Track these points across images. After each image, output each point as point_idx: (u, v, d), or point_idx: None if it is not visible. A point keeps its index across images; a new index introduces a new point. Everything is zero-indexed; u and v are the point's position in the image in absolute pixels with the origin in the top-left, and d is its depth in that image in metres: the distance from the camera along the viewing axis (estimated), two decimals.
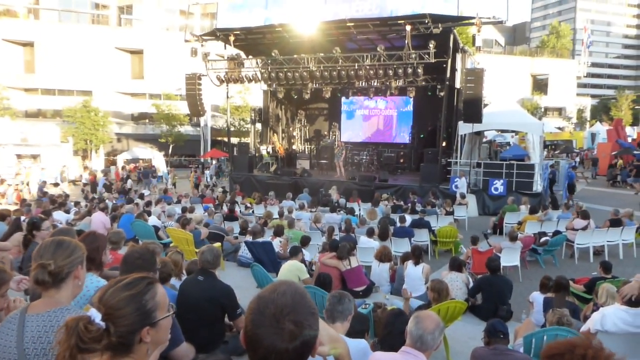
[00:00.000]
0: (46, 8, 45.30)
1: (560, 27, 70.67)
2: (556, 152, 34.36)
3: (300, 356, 1.11)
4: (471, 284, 6.30)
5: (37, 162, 26.36)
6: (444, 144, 16.86)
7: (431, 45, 14.14)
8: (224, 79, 18.63)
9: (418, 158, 19.79)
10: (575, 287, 6.44)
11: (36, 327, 1.78)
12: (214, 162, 32.04)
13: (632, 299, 3.32)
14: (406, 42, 14.49)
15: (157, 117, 37.24)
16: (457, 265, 6.42)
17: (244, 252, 7.87)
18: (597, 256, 9.51)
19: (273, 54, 16.98)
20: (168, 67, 36.45)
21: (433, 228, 10.42)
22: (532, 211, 11.78)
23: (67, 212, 12.70)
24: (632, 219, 10.64)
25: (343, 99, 22.39)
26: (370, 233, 8.63)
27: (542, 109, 52.37)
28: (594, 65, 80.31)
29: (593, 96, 72.26)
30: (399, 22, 14.71)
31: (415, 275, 6.31)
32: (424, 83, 17.14)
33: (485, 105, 16.79)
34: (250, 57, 19.11)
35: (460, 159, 16.17)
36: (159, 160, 32.70)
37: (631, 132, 36.82)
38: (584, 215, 10.07)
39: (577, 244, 9.55)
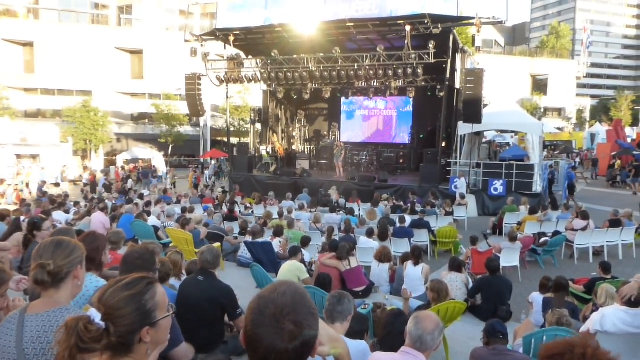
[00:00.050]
0: (46, 8, 45.23)
1: (559, 27, 70.75)
2: (556, 152, 34.32)
3: (300, 356, 1.11)
4: (471, 285, 6.31)
5: (37, 162, 26.36)
6: (443, 144, 16.85)
7: (431, 46, 14.14)
8: (223, 79, 18.61)
9: (418, 158, 19.76)
10: (575, 288, 6.45)
11: (35, 327, 1.77)
12: (213, 162, 32.03)
13: (632, 299, 3.32)
14: (406, 42, 14.49)
15: (156, 117, 37.24)
16: (456, 266, 6.42)
17: (244, 253, 7.87)
18: (596, 257, 9.51)
19: (273, 54, 16.97)
20: (168, 67, 36.41)
21: (433, 228, 10.44)
22: (532, 211, 11.80)
23: (67, 212, 12.70)
24: (632, 219, 10.68)
25: (343, 99, 22.36)
26: (369, 233, 8.63)
27: (542, 110, 52.39)
28: (593, 65, 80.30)
29: (593, 97, 72.39)
30: (398, 22, 14.72)
31: (414, 275, 6.31)
32: (423, 83, 17.15)
33: (485, 105, 16.78)
34: (250, 57, 19.10)
35: (459, 159, 16.18)
36: (158, 161, 32.70)
37: (631, 133, 36.81)
38: (584, 215, 10.09)
39: (577, 244, 9.55)
